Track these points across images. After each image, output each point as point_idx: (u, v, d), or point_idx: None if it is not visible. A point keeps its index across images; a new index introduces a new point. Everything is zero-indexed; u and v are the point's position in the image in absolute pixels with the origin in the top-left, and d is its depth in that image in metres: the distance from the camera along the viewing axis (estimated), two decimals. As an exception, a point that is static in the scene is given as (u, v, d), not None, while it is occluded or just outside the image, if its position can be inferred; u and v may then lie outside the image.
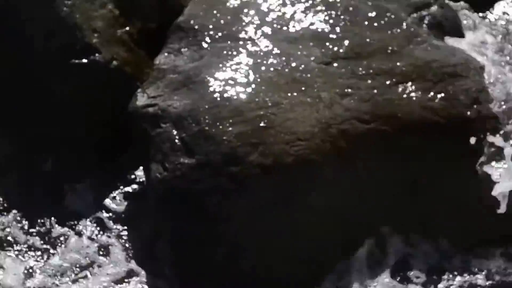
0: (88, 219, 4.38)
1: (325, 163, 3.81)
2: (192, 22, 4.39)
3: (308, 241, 3.88)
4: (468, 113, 4.01)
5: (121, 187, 4.55)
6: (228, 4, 4.43)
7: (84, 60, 4.48)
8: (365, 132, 3.89)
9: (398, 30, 4.33)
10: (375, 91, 4.00)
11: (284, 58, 4.10)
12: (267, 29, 4.26)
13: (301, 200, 3.80)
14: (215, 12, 4.42)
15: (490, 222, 4.01)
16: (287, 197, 3.78)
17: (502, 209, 3.93)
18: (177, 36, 4.39)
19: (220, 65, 4.07)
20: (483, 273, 4.04)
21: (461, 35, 4.74)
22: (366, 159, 3.90)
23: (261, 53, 4.13)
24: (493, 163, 3.96)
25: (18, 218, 4.37)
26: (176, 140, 3.89)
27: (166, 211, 3.94)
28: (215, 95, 3.93)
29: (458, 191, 4.01)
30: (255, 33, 4.25)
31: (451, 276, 4.04)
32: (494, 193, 3.92)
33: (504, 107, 4.11)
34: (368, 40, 4.23)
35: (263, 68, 4.05)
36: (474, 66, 4.23)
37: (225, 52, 4.16)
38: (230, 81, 3.99)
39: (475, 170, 3.95)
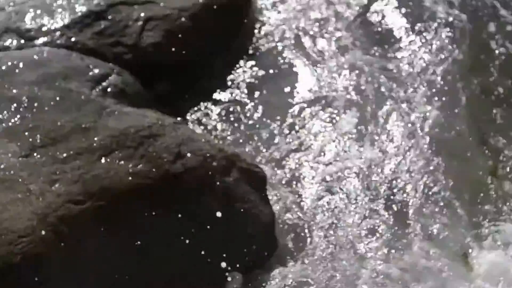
0: None
1: (52, 253, 3.89)
2: None
3: None
4: (174, 169, 4.34)
5: None
6: None
7: None
8: (82, 212, 4.04)
9: (87, 107, 4.56)
10: (81, 170, 4.17)
11: (-19, 162, 4.13)
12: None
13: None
14: None
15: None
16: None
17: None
18: None
19: None
20: None
21: (141, 97, 5.09)
22: (91, 240, 4.03)
23: (-44, 162, 4.13)
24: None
25: None
26: None
27: None
28: None
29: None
30: None
31: None
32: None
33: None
34: (60, 124, 4.40)
35: (-39, 177, 4.04)
36: (169, 123, 4.59)
37: None
38: None
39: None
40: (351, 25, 6.25)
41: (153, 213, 4.20)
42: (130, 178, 4.22)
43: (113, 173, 4.22)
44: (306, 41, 6.11)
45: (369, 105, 5.58)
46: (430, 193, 5.01)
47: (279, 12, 6.34)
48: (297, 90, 5.72)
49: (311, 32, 6.19)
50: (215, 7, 5.79)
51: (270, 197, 4.75)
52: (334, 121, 5.47)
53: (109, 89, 4.80)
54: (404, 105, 5.56)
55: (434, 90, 5.69)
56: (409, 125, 5.43)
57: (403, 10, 6.28)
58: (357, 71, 5.84)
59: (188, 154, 4.43)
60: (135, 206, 4.19)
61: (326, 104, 5.62)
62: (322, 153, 5.23)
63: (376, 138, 5.36)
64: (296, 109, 5.56)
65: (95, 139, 4.34)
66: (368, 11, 6.32)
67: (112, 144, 4.34)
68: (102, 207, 4.09)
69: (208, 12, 5.74)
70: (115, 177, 4.20)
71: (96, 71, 4.89)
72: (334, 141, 5.32)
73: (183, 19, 5.57)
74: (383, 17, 6.26)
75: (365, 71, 5.83)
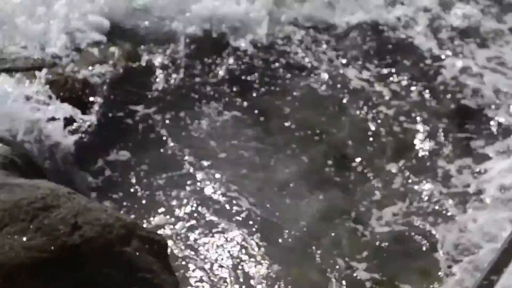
0: None
1: None
2: None
3: None
4: (72, 240, 4.23)
5: None
6: None
7: None
8: (-23, 291, 3.90)
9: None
10: (-26, 247, 4.04)
11: None
12: None
13: None
14: None
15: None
16: None
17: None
18: None
19: None
20: None
21: (32, 168, 5.00)
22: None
23: None
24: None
25: None
26: None
27: None
28: None
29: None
30: None
31: None
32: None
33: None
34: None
35: None
36: (63, 193, 4.49)
37: None
38: None
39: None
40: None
41: (52, 288, 4.10)
42: (25, 252, 4.10)
43: (8, 248, 4.09)
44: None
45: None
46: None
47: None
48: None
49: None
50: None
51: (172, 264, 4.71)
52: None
53: (-1, 160, 4.70)
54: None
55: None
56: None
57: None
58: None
59: (85, 225, 4.35)
60: (32, 281, 4.07)
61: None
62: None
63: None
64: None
65: (-13, 213, 4.21)
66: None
67: (5, 217, 4.22)
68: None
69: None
70: (9, 253, 4.08)
71: (-17, 142, 4.79)
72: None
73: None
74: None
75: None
